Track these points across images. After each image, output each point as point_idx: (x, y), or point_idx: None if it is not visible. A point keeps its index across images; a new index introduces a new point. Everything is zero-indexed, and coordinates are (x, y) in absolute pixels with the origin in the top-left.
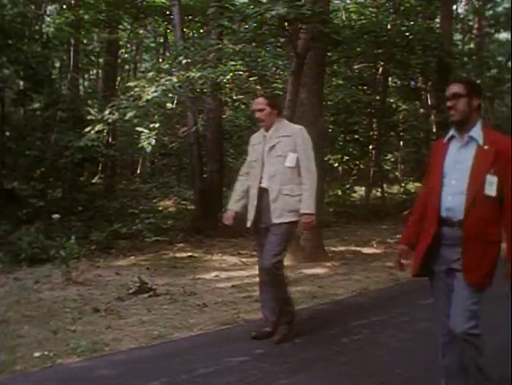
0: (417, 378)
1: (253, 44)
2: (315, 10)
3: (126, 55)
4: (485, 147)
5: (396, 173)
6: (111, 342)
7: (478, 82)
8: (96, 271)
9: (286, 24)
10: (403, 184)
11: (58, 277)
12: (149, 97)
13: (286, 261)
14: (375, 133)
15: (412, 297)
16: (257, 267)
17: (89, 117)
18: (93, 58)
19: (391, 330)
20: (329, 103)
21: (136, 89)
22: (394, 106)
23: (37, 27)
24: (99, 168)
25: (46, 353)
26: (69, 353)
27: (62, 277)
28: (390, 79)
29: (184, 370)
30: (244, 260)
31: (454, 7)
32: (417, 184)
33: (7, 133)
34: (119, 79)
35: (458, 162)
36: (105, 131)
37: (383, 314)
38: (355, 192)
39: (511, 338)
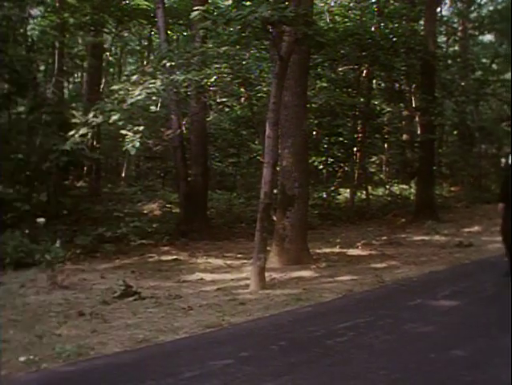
0: (403, 380)
1: (237, 47)
2: (299, 13)
3: (111, 58)
4: None
5: (381, 175)
6: (97, 345)
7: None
8: (81, 275)
9: (269, 27)
10: (388, 187)
11: (43, 282)
12: (133, 100)
13: (271, 264)
14: (360, 135)
15: (397, 298)
16: (241, 270)
17: (74, 120)
18: (78, 61)
19: (376, 331)
20: (313, 105)
21: (121, 92)
22: (378, 108)
23: (21, 30)
24: (84, 171)
25: (31, 357)
26: (54, 357)
27: (48, 282)
28: (374, 81)
29: (169, 373)
30: (229, 262)
31: (438, 10)
32: (402, 186)
33: None
34: (103, 82)
35: None
36: (89, 134)
37: (368, 315)
38: (339, 194)
39: (511, 337)
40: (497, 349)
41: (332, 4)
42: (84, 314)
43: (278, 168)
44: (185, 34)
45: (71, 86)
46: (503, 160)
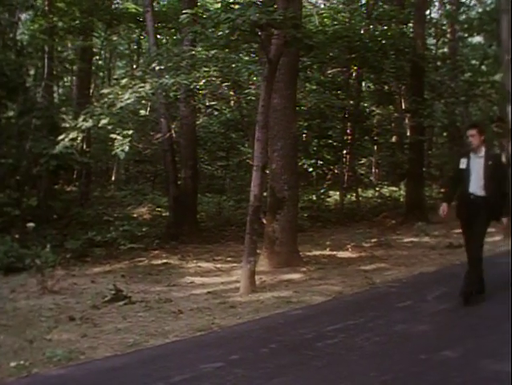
0: (393, 381)
1: (227, 50)
2: (287, 16)
3: (100, 62)
4: None
5: (371, 177)
6: (87, 350)
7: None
8: (72, 279)
9: (258, 30)
10: (377, 189)
11: (33, 286)
12: (123, 104)
13: (261, 267)
14: (350, 138)
15: (387, 300)
16: (231, 273)
17: (64, 124)
18: (67, 65)
19: (366, 333)
20: (302, 108)
21: (110, 96)
22: (368, 110)
23: (11, 35)
24: (74, 175)
25: (22, 362)
26: (45, 362)
27: (38, 286)
28: (364, 83)
29: (159, 377)
30: (219, 266)
31: (427, 12)
32: (392, 188)
33: None
34: (93, 86)
35: None
36: (79, 138)
37: (358, 317)
38: (329, 196)
39: (511, 338)
40: (487, 349)
41: (321, 7)
42: (75, 318)
43: (267, 171)
44: (174, 37)
45: (60, 90)
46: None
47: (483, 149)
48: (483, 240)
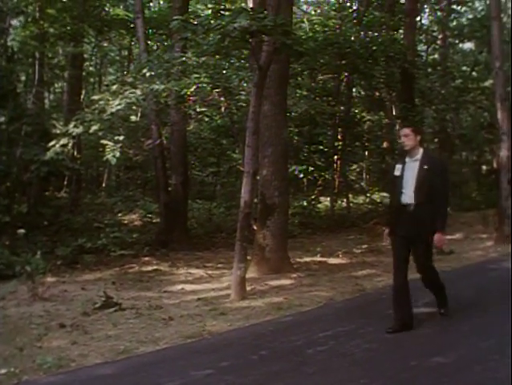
0: None
1: (217, 57)
2: (277, 22)
3: (91, 68)
4: None
5: (362, 183)
6: (77, 357)
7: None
8: (62, 286)
9: (248, 36)
10: (368, 195)
11: (24, 293)
12: (114, 110)
13: (251, 273)
14: (340, 144)
15: (377, 307)
16: (222, 280)
17: (54, 131)
18: (58, 71)
19: (357, 340)
20: (293, 114)
21: (101, 102)
22: (358, 116)
23: (1, 41)
24: (65, 182)
25: (12, 370)
26: (35, 369)
27: (28, 293)
28: (354, 89)
29: (150, 384)
30: (209, 272)
31: (418, 18)
32: (383, 194)
33: None
34: (84, 92)
35: None
36: (70, 144)
37: (348, 324)
38: (320, 202)
39: (511, 338)
40: (478, 355)
41: (312, 13)
42: (65, 325)
43: (258, 177)
44: (165, 43)
45: (51, 96)
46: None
47: (420, 152)
48: (430, 260)
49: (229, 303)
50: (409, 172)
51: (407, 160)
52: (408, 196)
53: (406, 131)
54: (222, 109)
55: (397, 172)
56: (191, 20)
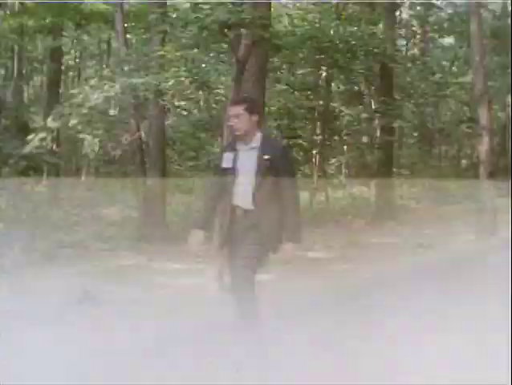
0: None
1: (196, 50)
2: (255, 16)
3: (70, 62)
4: None
5: (341, 178)
6: None
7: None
8: (41, 281)
9: (226, 30)
10: (347, 189)
11: (2, 288)
12: (92, 104)
13: None
14: (319, 138)
15: (358, 299)
16: (202, 273)
17: (33, 125)
18: (37, 65)
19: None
20: (272, 108)
21: (80, 96)
22: (337, 110)
23: None
24: (44, 175)
25: None
26: None
27: (6, 288)
28: (333, 84)
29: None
30: (188, 266)
31: (398, 13)
32: (362, 188)
33: None
34: (63, 85)
35: None
36: (49, 138)
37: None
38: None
39: (511, 338)
40: None
41: (291, 7)
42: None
43: None
44: (144, 37)
45: (30, 90)
46: None
47: (258, 137)
48: (254, 270)
49: (208, 297)
50: (244, 163)
51: (240, 147)
52: (242, 195)
53: (236, 109)
54: (201, 103)
55: (227, 164)
56: (170, 13)
